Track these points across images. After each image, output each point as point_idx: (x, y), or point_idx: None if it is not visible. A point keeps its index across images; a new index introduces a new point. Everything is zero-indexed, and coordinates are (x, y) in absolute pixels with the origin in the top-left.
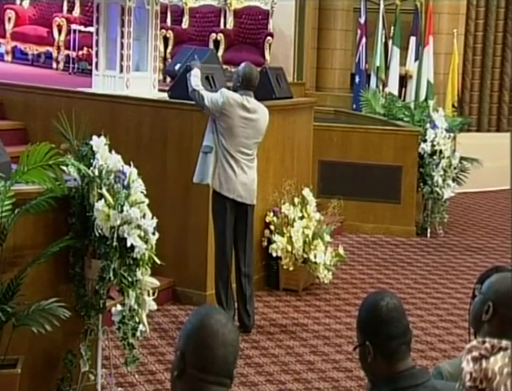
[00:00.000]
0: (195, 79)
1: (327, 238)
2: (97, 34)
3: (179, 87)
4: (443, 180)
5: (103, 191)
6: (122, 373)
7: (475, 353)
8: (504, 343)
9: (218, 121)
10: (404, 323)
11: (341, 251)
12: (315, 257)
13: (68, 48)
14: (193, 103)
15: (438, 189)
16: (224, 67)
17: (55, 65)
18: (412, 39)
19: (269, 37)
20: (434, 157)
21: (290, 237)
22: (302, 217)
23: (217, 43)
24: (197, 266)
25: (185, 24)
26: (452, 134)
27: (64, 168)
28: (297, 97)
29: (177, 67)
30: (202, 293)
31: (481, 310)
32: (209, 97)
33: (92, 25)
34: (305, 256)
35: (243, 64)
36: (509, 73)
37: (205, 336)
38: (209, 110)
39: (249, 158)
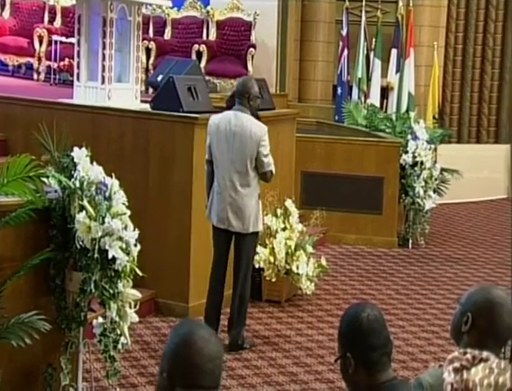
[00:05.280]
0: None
1: (309, 249)
2: (78, 45)
3: (162, 98)
4: (425, 191)
5: (85, 202)
6: (103, 386)
7: (456, 364)
8: (485, 354)
9: None
10: (385, 335)
11: (323, 262)
12: (297, 268)
13: (49, 59)
14: (175, 114)
15: (419, 200)
16: (207, 78)
17: (35, 76)
18: (394, 51)
19: (251, 49)
20: (416, 168)
21: (273, 248)
22: (284, 229)
23: (199, 54)
24: (179, 278)
25: (167, 35)
26: (432, 146)
27: (45, 179)
28: (279, 108)
29: (159, 78)
30: (184, 305)
31: (460, 321)
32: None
33: (73, 36)
34: (287, 267)
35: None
36: (488, 86)
37: (191, 355)
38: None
39: (236, 183)
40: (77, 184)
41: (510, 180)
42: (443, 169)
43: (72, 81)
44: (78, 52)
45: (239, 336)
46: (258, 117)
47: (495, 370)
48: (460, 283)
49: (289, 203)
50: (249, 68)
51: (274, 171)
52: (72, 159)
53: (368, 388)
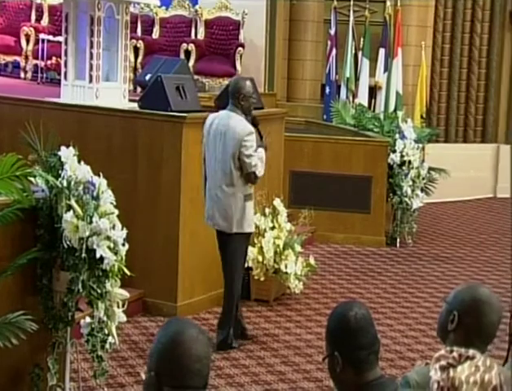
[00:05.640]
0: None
1: (298, 248)
2: (66, 44)
3: (150, 97)
4: (412, 190)
5: (72, 202)
6: (91, 386)
7: (443, 362)
8: (471, 352)
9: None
10: (373, 333)
11: (311, 261)
12: (286, 267)
13: (36, 58)
14: (164, 113)
15: (407, 199)
16: (195, 77)
17: (22, 75)
18: (382, 51)
19: (240, 48)
20: (403, 168)
21: (261, 247)
22: (273, 228)
23: (188, 53)
24: (168, 277)
25: (156, 34)
26: (420, 145)
27: (32, 179)
28: (268, 107)
29: (147, 77)
30: (173, 304)
31: (447, 320)
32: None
33: (61, 35)
34: (276, 266)
35: None
36: (475, 86)
37: (178, 355)
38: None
39: (221, 182)
40: (65, 183)
41: (511, 179)
42: (430, 169)
43: (60, 80)
44: (66, 51)
45: (227, 335)
46: (253, 117)
47: (481, 368)
48: (447, 281)
49: (277, 202)
50: (238, 67)
51: (259, 173)
52: (60, 158)
53: (356, 386)
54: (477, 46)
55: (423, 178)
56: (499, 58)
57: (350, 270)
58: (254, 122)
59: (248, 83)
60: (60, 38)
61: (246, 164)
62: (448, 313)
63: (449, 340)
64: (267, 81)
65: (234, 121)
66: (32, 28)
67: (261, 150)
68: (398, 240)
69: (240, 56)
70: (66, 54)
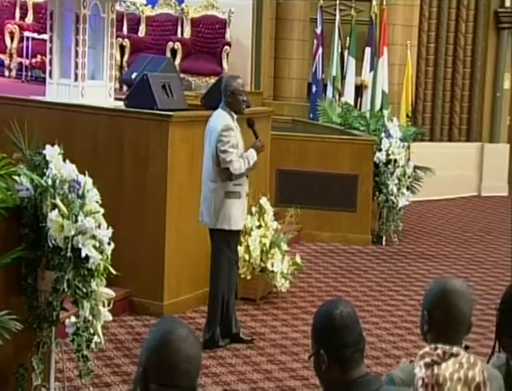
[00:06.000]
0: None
1: (284, 247)
2: (51, 42)
3: (136, 96)
4: (398, 189)
5: (57, 200)
6: (76, 386)
7: (427, 360)
8: (455, 349)
9: None
10: (358, 331)
11: (298, 259)
12: (272, 265)
13: (20, 56)
14: (150, 111)
15: (393, 197)
16: (181, 76)
17: (7, 73)
18: (368, 50)
19: (226, 47)
20: (389, 166)
21: (248, 246)
22: (259, 226)
23: (174, 52)
24: (154, 276)
25: (142, 32)
26: (406, 144)
27: (16, 177)
28: (254, 106)
29: (133, 75)
30: (159, 303)
31: (422, 323)
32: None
33: (46, 33)
34: (262, 265)
35: None
36: (460, 85)
37: (167, 353)
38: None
39: (207, 178)
40: (50, 182)
41: None
42: (416, 167)
43: (45, 78)
44: (51, 49)
45: (213, 333)
46: (248, 118)
47: (464, 364)
48: (432, 279)
49: (263, 201)
50: (224, 65)
51: (234, 170)
52: (45, 157)
53: (342, 384)
54: (461, 46)
55: (409, 177)
56: (483, 57)
57: (336, 268)
58: (249, 123)
59: (237, 81)
60: (45, 36)
61: (221, 159)
62: (422, 316)
63: (429, 340)
64: (253, 79)
65: (216, 118)
66: (16, 26)
67: (251, 151)
68: (384, 238)
69: (227, 55)
70: (51, 53)
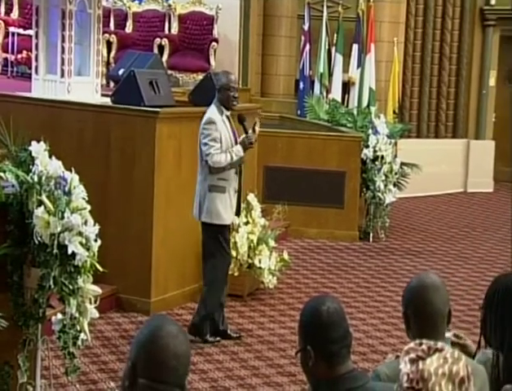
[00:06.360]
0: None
1: (272, 243)
2: (36, 38)
3: (123, 92)
4: (385, 185)
5: (43, 197)
6: (63, 383)
7: (412, 355)
8: (440, 344)
9: None
10: (345, 327)
11: (285, 256)
12: (259, 262)
13: (6, 51)
14: (137, 108)
15: (380, 194)
16: (169, 72)
17: None
18: (355, 46)
19: (214, 43)
20: (376, 163)
21: (235, 242)
22: (247, 223)
23: (161, 48)
24: (141, 273)
25: (129, 28)
26: (393, 140)
27: (1, 174)
28: (242, 103)
29: (120, 72)
30: (147, 300)
31: (405, 324)
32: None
33: (31, 28)
34: (250, 261)
35: None
36: (446, 81)
37: (155, 349)
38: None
39: (198, 171)
40: (36, 179)
41: None
42: (402, 164)
43: (31, 74)
44: (36, 45)
45: (200, 321)
46: (238, 114)
47: (449, 359)
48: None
49: (251, 197)
50: (212, 62)
51: (213, 164)
52: (31, 153)
53: (328, 380)
54: (448, 43)
55: (396, 173)
56: (469, 54)
57: (323, 264)
58: (240, 119)
59: (229, 77)
60: (31, 32)
61: (202, 151)
62: (403, 319)
63: (411, 338)
64: (241, 76)
65: (206, 112)
66: (1, 21)
67: (237, 146)
68: (371, 235)
69: (214, 51)
70: (37, 48)
